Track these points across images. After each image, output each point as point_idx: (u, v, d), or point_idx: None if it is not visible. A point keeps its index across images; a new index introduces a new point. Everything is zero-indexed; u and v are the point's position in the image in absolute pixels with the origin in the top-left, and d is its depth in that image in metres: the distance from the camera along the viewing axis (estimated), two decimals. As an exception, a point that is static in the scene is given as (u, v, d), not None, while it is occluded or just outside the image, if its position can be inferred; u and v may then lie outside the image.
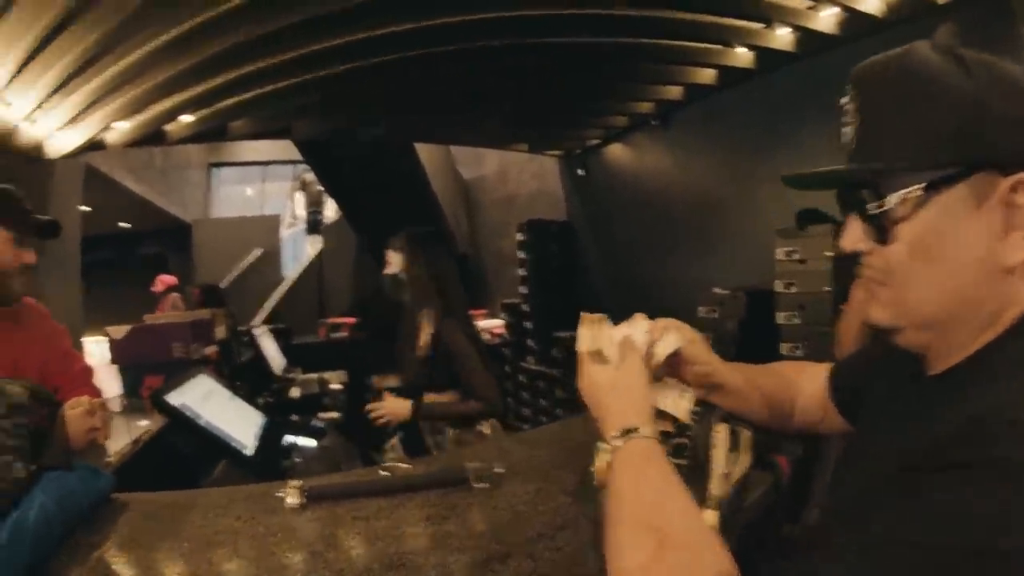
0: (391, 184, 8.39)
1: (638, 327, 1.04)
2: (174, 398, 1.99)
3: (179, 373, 2.29)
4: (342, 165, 8.30)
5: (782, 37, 4.02)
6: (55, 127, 4.68)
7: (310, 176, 10.79)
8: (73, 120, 4.62)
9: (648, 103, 5.51)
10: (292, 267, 12.69)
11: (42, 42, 3.56)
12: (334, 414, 3.87)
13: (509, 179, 9.21)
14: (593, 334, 1.02)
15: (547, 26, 3.89)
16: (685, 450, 1.07)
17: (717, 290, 4.21)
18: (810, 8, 3.68)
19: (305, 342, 7.32)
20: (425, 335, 2.68)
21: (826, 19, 3.73)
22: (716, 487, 1.05)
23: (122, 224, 12.42)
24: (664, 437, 1.02)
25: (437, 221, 9.02)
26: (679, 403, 1.09)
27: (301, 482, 1.25)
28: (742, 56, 4.36)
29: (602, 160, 6.78)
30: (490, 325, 7.65)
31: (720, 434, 1.11)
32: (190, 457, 2.27)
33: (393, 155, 7.96)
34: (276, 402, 3.84)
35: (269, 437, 2.36)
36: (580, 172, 7.04)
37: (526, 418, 6.72)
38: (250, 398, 2.83)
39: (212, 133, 5.94)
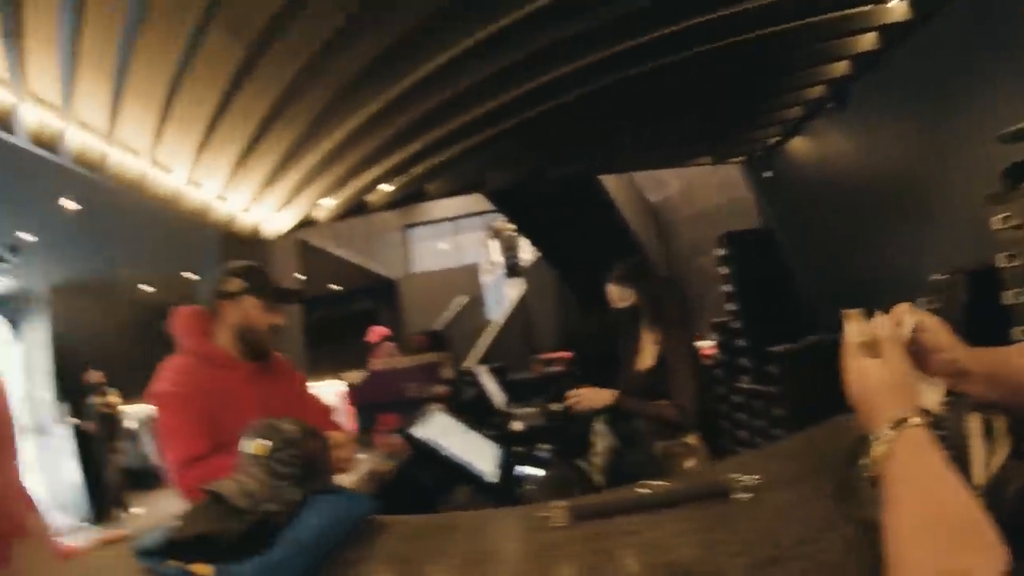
0: (583, 219, 8.60)
1: (881, 320, 1.04)
2: (419, 432, 2.20)
3: (410, 411, 2.51)
4: (533, 209, 8.64)
5: None
6: (269, 213, 5.29)
7: (500, 223, 11.28)
8: (284, 205, 5.21)
9: (818, 86, 5.33)
10: (495, 310, 13.29)
11: (249, 145, 4.10)
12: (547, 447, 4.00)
13: (696, 195, 9.13)
14: (859, 328, 1.03)
15: (712, 31, 3.89)
16: (942, 442, 1.04)
17: (935, 276, 3.78)
18: None
19: (520, 378, 7.55)
20: (651, 350, 2.77)
21: None
22: (977, 478, 1.02)
23: (333, 286, 13.70)
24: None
25: (632, 249, 9.06)
26: (929, 395, 1.07)
27: (566, 502, 1.32)
28: (897, 9, 4.13)
29: (786, 157, 6.56)
30: (699, 347, 7.44)
31: (974, 424, 1.08)
32: (427, 487, 2.47)
33: (581, 190, 8.15)
34: (499, 434, 4.03)
35: (506, 466, 2.50)
36: (767, 174, 6.83)
37: (743, 440, 6.41)
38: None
39: (410, 197, 6.45)
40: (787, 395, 5.74)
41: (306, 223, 6.11)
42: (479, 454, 2.41)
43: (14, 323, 10.33)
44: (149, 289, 11.04)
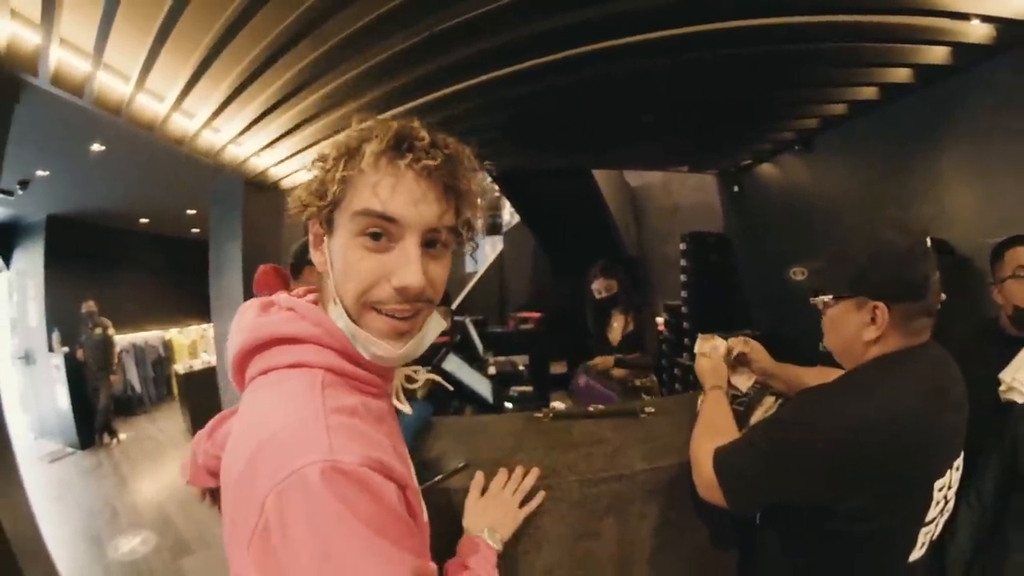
0: (567, 196, 9.13)
1: (719, 341, 2.05)
2: (448, 367, 3.04)
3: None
4: (526, 184, 9.18)
5: (900, 72, 4.37)
6: (283, 161, 5.41)
7: (487, 184, 11.90)
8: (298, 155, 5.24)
9: (790, 132, 5.97)
10: (472, 265, 14.00)
11: (279, 102, 4.07)
12: (527, 388, 4.87)
13: (673, 190, 9.79)
14: (702, 342, 2.04)
15: (713, 45, 3.88)
16: (742, 405, 2.05)
17: None
18: (920, 44, 3.91)
19: (497, 331, 8.30)
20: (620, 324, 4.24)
21: (938, 51, 3.99)
22: (754, 420, 2.02)
23: None
24: (734, 396, 2.02)
25: (608, 227, 9.77)
26: (744, 381, 2.08)
27: (549, 409, 2.30)
28: (866, 91, 4.77)
29: (754, 179, 7.22)
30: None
31: (768, 399, 2.09)
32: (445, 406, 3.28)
33: (570, 173, 8.71)
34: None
35: (497, 393, 3.38)
36: (735, 189, 7.55)
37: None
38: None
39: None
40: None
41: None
42: (481, 384, 3.32)
43: (5, 252, 9.92)
44: (145, 221, 10.71)
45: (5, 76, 3.38)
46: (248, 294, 5.45)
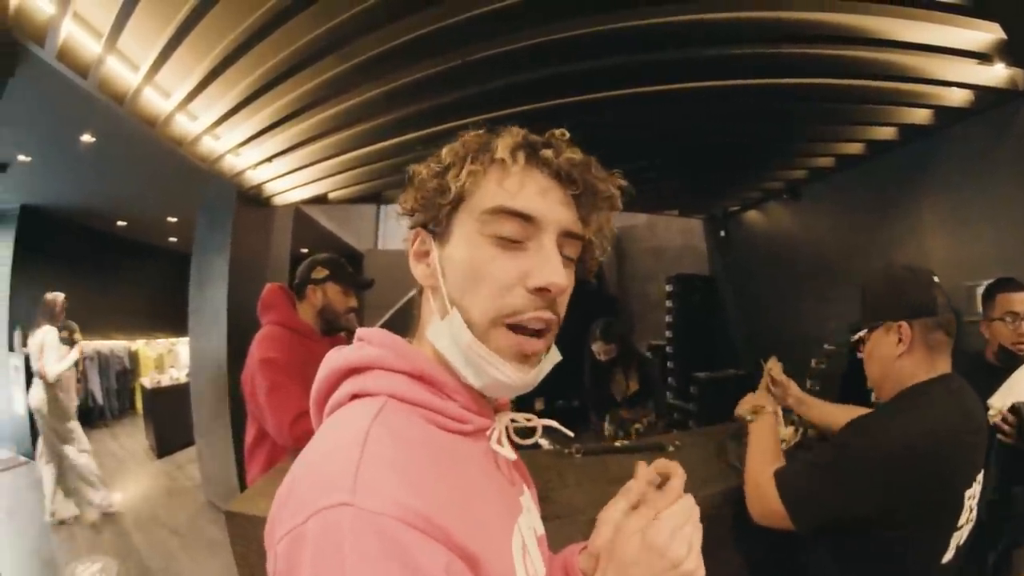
0: None
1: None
2: None
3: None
4: None
5: (885, 130, 4.64)
6: (280, 177, 5.26)
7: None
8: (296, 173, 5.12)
9: (778, 181, 6.18)
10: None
11: (289, 116, 3.95)
12: None
13: (658, 232, 9.95)
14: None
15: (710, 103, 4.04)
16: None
17: (827, 346, 4.80)
18: (904, 106, 4.19)
19: None
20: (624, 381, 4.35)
21: (920, 112, 4.25)
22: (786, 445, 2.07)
23: (303, 250, 13.50)
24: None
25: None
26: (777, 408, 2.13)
27: (579, 445, 2.31)
28: (852, 147, 5.04)
29: (740, 224, 7.41)
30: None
31: (790, 428, 2.15)
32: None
33: None
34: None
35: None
36: (721, 233, 7.73)
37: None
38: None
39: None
40: (701, 413, 6.78)
41: (317, 199, 5.93)
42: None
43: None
44: (122, 224, 10.07)
45: (7, 41, 3.10)
46: (234, 308, 5.48)
